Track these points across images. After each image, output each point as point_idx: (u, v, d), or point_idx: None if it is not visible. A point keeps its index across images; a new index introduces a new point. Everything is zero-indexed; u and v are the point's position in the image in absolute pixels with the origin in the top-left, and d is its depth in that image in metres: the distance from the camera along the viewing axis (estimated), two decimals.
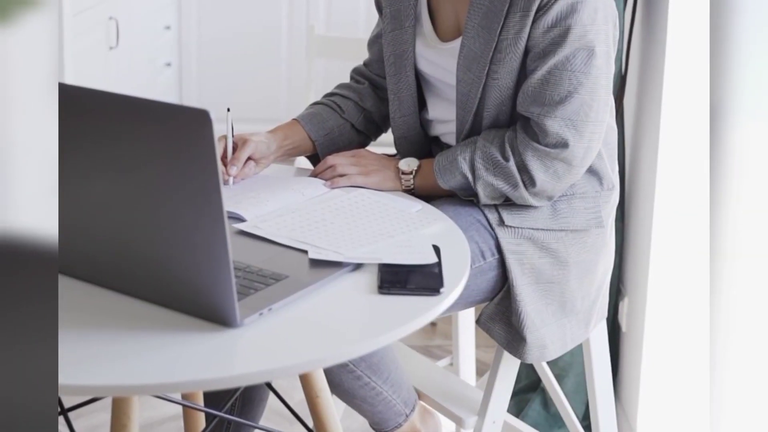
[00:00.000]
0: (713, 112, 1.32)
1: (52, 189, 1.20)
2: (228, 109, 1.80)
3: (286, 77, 4.79)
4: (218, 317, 1.28)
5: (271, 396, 1.89)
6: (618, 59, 2.43)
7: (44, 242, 1.14)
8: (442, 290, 1.41)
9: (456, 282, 1.44)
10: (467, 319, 2.38)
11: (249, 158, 1.81)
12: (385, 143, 2.07)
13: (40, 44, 1.15)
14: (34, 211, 1.16)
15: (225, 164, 1.79)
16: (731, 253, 1.30)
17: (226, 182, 1.77)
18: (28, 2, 1.13)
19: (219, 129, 1.63)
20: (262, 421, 2.02)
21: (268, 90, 4.77)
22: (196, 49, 4.83)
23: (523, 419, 2.55)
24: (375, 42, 1.99)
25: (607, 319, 2.53)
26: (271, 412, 2.45)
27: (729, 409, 1.31)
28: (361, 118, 1.97)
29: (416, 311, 1.36)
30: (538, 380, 2.60)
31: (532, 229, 1.76)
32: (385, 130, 2.03)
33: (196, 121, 1.18)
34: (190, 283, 1.28)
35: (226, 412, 1.87)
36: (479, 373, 2.69)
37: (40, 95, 1.18)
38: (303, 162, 2.00)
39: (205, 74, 4.84)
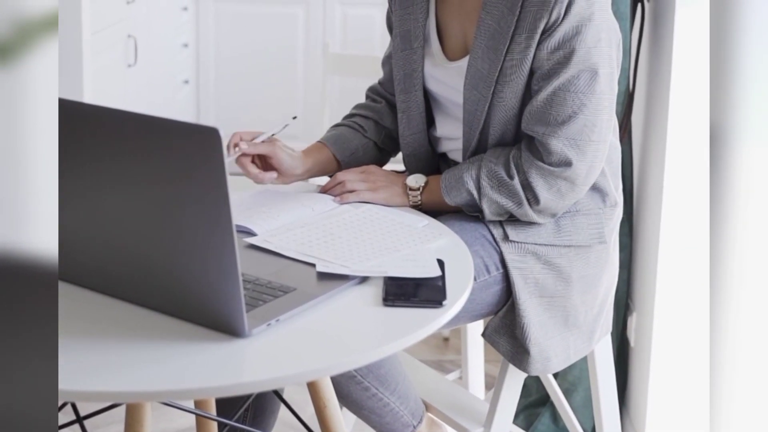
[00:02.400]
0: (713, 131, 1.33)
1: (53, 204, 1.24)
2: (294, 117, 1.88)
3: (302, 94, 4.83)
4: (227, 327, 1.32)
5: (283, 408, 1.92)
6: (625, 77, 2.46)
7: (44, 257, 1.17)
8: (445, 303, 1.43)
9: (459, 295, 1.47)
10: (476, 333, 2.41)
11: (274, 168, 1.85)
12: (394, 160, 2.10)
13: (45, 70, 1.20)
14: (37, 227, 1.20)
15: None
16: (736, 272, 1.31)
17: (228, 151, 1.80)
18: (44, 27, 1.18)
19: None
20: None
21: (285, 106, 4.81)
22: (213, 67, 4.88)
23: None
24: (388, 61, 2.02)
25: (616, 334, 2.56)
26: (282, 425, 2.48)
27: (733, 423, 1.32)
28: (383, 135, 2.00)
29: (419, 323, 1.39)
30: (548, 394, 2.62)
31: (536, 244, 1.79)
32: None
33: (206, 138, 1.22)
34: (200, 294, 1.32)
35: (237, 422, 1.91)
36: (488, 386, 2.71)
37: (46, 115, 1.22)
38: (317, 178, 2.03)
39: (222, 91, 4.89)
